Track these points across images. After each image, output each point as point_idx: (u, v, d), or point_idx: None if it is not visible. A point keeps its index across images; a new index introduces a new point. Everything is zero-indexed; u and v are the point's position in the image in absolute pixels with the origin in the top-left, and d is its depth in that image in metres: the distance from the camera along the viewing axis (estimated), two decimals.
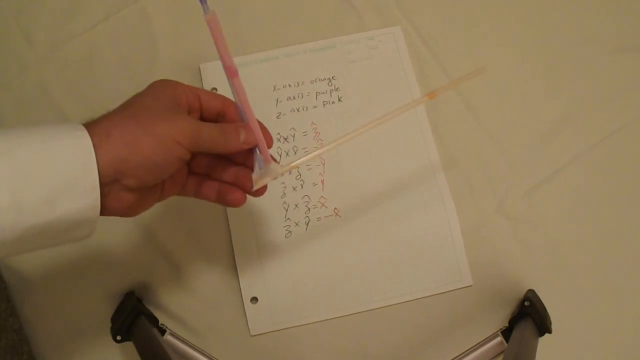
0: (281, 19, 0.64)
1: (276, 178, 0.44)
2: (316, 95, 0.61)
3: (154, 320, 0.53)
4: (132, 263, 0.56)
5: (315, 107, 0.60)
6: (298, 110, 0.60)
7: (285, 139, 0.59)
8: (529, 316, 0.51)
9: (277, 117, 0.60)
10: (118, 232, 0.57)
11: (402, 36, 0.63)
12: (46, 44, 0.62)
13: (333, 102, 0.61)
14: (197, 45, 0.62)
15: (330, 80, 0.61)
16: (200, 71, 0.61)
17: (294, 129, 0.60)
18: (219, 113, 0.44)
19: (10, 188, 0.33)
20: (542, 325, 0.51)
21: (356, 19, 0.64)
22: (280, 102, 0.61)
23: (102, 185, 0.36)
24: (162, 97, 0.41)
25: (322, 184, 0.58)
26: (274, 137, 0.59)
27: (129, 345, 0.51)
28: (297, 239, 0.57)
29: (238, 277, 0.56)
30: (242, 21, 0.64)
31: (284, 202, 0.57)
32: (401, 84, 0.61)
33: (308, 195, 0.58)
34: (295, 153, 0.59)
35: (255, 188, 0.44)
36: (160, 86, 0.42)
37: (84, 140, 0.35)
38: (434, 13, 0.64)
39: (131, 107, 0.40)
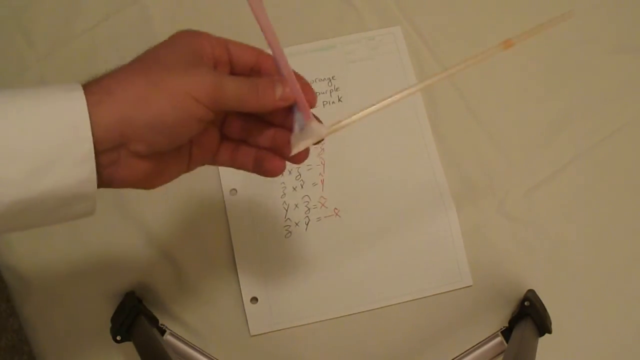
0: (281, 19, 0.64)
1: (320, 141, 0.37)
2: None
3: (154, 321, 0.53)
4: (132, 263, 0.56)
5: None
6: None
7: None
8: (529, 316, 0.51)
9: None
10: (118, 232, 0.57)
11: (402, 36, 0.63)
12: (46, 44, 0.62)
13: (333, 102, 0.61)
14: None
15: (330, 80, 0.61)
16: None
17: None
18: (252, 68, 0.38)
19: None
20: (542, 325, 0.51)
21: (356, 19, 0.64)
22: None
23: (107, 151, 0.32)
24: (180, 47, 0.35)
25: (322, 184, 0.58)
26: None
27: (129, 345, 0.51)
28: (297, 239, 0.57)
29: (238, 277, 0.56)
30: (242, 21, 0.63)
31: (284, 202, 0.57)
32: (401, 84, 0.61)
33: (308, 195, 0.58)
34: None
35: (293, 152, 0.37)
36: (181, 36, 0.36)
37: (77, 101, 0.30)
38: (434, 13, 0.64)
39: (141, 60, 0.35)
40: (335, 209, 0.58)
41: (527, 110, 0.61)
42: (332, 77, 0.62)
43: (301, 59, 0.62)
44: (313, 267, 0.56)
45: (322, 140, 0.37)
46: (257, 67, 0.38)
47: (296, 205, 0.57)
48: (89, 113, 0.31)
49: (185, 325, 0.55)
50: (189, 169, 0.38)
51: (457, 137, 0.60)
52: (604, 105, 0.61)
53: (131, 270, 0.56)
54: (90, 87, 0.32)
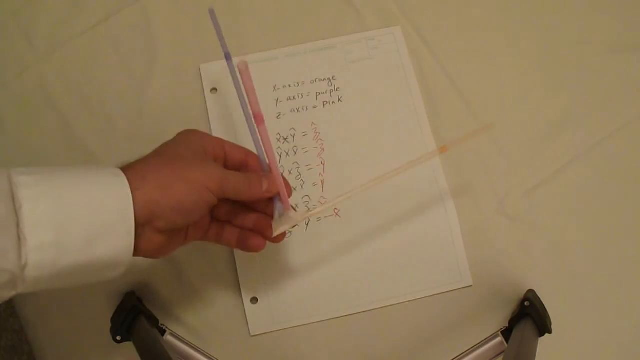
0: (281, 19, 0.64)
1: (295, 226, 0.46)
2: (316, 96, 0.61)
3: (154, 321, 0.53)
4: (133, 263, 0.56)
5: (315, 107, 0.61)
6: (298, 111, 0.60)
7: (285, 139, 0.59)
8: (529, 316, 0.51)
9: (277, 117, 0.60)
10: None
11: (402, 36, 0.63)
12: (46, 44, 0.62)
13: (333, 102, 0.61)
14: (197, 45, 0.62)
15: (330, 81, 0.61)
16: (200, 71, 0.61)
17: (294, 129, 0.60)
18: (241, 163, 0.47)
19: (54, 227, 0.34)
20: (542, 326, 0.51)
21: (356, 19, 0.64)
22: (280, 102, 0.61)
23: (137, 226, 0.38)
24: (193, 145, 0.44)
25: (322, 184, 0.58)
26: (274, 137, 0.59)
27: (129, 345, 0.51)
28: (297, 239, 0.57)
29: (238, 277, 0.56)
30: (242, 21, 0.64)
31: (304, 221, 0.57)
32: (401, 84, 0.61)
33: (308, 195, 0.58)
34: (295, 153, 0.59)
35: (274, 234, 0.46)
36: (190, 135, 0.45)
37: (124, 188, 0.37)
38: (434, 13, 0.64)
39: (165, 154, 0.42)
40: (335, 209, 0.58)
41: (527, 110, 0.61)
42: (332, 77, 0.62)
43: (301, 59, 0.62)
44: (313, 267, 0.56)
45: (297, 225, 0.48)
46: (246, 163, 0.47)
47: (296, 205, 0.57)
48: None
49: (185, 325, 0.55)
50: (184, 243, 0.45)
51: (457, 137, 0.60)
52: (604, 105, 0.61)
53: (131, 270, 0.55)
54: (129, 172, 0.39)
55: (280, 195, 0.45)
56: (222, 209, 0.47)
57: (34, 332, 0.55)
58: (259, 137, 0.43)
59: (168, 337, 0.53)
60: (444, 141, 0.60)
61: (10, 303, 0.55)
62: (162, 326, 0.53)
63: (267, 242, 0.47)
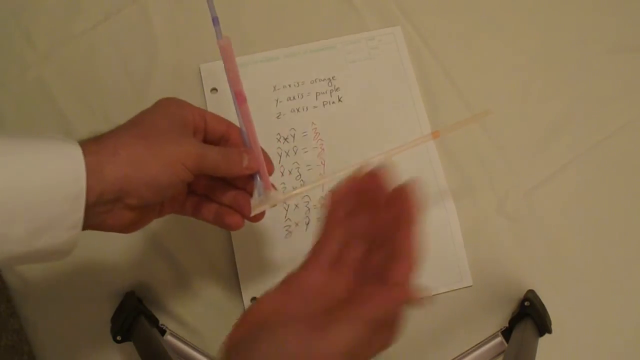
0: (281, 19, 0.64)
1: (274, 205, 0.45)
2: (316, 96, 0.61)
3: (154, 321, 0.53)
4: (133, 263, 0.56)
5: (315, 107, 0.61)
6: (298, 111, 0.60)
7: (285, 139, 0.59)
8: (529, 316, 0.51)
9: (277, 117, 0.60)
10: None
11: (402, 36, 0.63)
12: (46, 44, 0.62)
13: (333, 102, 0.61)
14: (197, 45, 0.62)
15: (330, 81, 0.61)
16: (200, 71, 0.61)
17: (294, 129, 0.60)
18: (222, 136, 0.45)
19: None
20: (542, 326, 0.51)
21: (356, 19, 0.64)
22: (280, 102, 0.61)
23: (106, 202, 0.37)
24: (171, 116, 0.41)
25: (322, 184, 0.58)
26: (274, 137, 0.59)
27: (129, 345, 0.51)
28: (297, 239, 0.57)
29: (238, 277, 0.56)
30: (243, 21, 0.64)
31: (284, 202, 0.57)
32: (401, 84, 0.61)
33: (308, 195, 0.58)
34: (295, 153, 0.59)
35: (253, 214, 0.44)
36: (170, 105, 0.42)
37: (80, 174, 0.35)
38: (434, 13, 0.64)
39: (140, 125, 0.40)
40: None
41: (527, 111, 0.61)
42: (332, 77, 0.62)
43: (301, 59, 0.62)
44: None
45: (276, 205, 0.45)
46: (227, 136, 0.45)
47: (296, 206, 0.57)
48: (96, 170, 0.36)
49: (185, 325, 0.55)
50: (159, 216, 0.44)
51: (457, 137, 0.60)
52: (604, 105, 0.61)
53: (131, 270, 0.56)
54: (97, 148, 0.37)
55: (260, 173, 0.44)
56: (200, 182, 0.45)
57: (34, 332, 0.55)
58: (239, 113, 0.42)
59: (168, 337, 0.53)
60: (444, 141, 0.60)
61: (10, 303, 0.55)
62: (162, 326, 0.53)
63: (246, 221, 0.45)
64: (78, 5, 0.63)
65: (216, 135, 0.44)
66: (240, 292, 0.55)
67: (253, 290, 0.56)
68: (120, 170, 0.36)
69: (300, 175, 0.58)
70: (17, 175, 0.33)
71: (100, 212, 0.37)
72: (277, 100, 0.61)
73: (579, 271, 0.56)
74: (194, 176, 0.40)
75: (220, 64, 0.61)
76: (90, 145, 0.37)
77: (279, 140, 0.59)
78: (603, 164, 0.59)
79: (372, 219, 0.39)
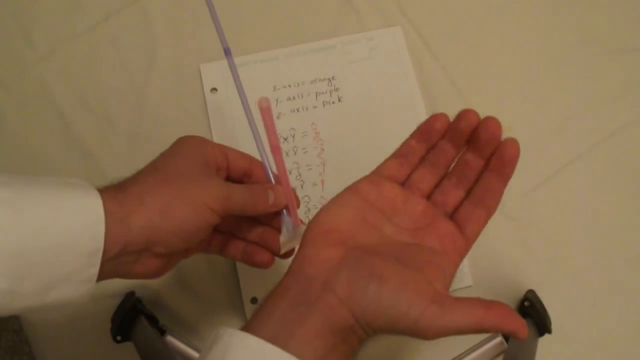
0: (281, 19, 0.64)
1: None
2: (316, 96, 0.61)
3: (154, 320, 0.53)
4: None
5: (315, 107, 0.61)
6: (298, 111, 0.60)
7: (285, 139, 0.59)
8: (529, 316, 0.51)
9: (277, 118, 0.60)
10: None
11: (402, 36, 0.63)
12: (46, 44, 0.62)
13: (333, 102, 0.61)
14: (197, 45, 0.62)
15: (330, 81, 0.61)
16: (200, 71, 0.61)
17: (294, 129, 0.60)
18: (245, 173, 0.44)
19: (9, 276, 0.31)
20: (542, 326, 0.51)
21: (356, 19, 0.64)
22: (280, 102, 0.61)
23: (130, 253, 0.36)
24: (193, 156, 0.40)
25: (322, 184, 0.58)
26: None
27: (129, 345, 0.51)
28: None
29: (238, 277, 0.56)
30: (243, 21, 0.64)
31: None
32: (401, 84, 0.61)
33: (308, 195, 0.58)
34: (295, 153, 0.59)
35: (282, 252, 0.43)
36: (190, 144, 0.41)
37: (98, 228, 0.33)
38: (434, 13, 0.64)
39: (163, 170, 0.39)
40: None
41: (527, 110, 0.61)
42: (332, 77, 0.62)
43: (301, 59, 0.62)
44: None
45: None
46: (249, 172, 0.44)
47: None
48: (122, 221, 0.35)
49: (185, 325, 0.55)
50: (185, 257, 0.43)
51: None
52: (604, 105, 0.61)
53: None
54: (123, 196, 0.36)
55: (290, 209, 0.42)
56: (225, 221, 0.42)
57: (34, 332, 0.55)
58: (265, 150, 0.41)
59: (168, 337, 0.53)
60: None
61: None
62: (162, 326, 0.53)
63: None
64: (78, 5, 0.64)
65: (239, 172, 0.43)
66: (240, 292, 0.55)
67: (253, 290, 0.55)
68: (147, 219, 0.36)
69: (300, 175, 0.58)
70: (31, 233, 0.32)
71: (126, 262, 0.37)
72: (277, 100, 0.61)
73: (579, 271, 0.56)
74: (220, 218, 0.39)
75: (220, 64, 0.61)
76: (114, 193, 0.36)
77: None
78: (603, 164, 0.59)
79: (459, 154, 0.40)
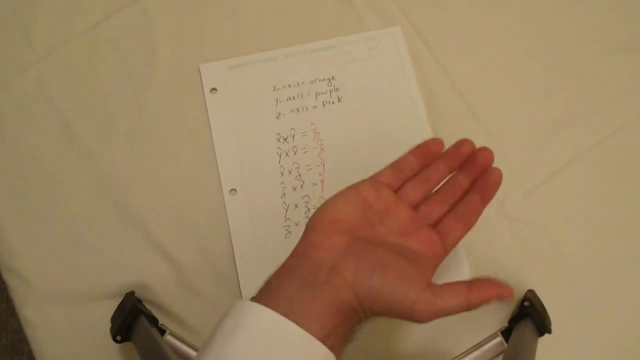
0: (281, 19, 0.64)
1: None
2: (316, 96, 0.61)
3: (154, 320, 0.53)
4: (133, 263, 0.56)
5: (315, 107, 0.61)
6: (298, 111, 0.60)
7: (285, 139, 0.59)
8: (529, 316, 0.51)
9: (277, 117, 0.60)
10: (118, 232, 0.57)
11: (402, 36, 0.63)
12: (46, 44, 0.62)
13: (333, 102, 0.61)
14: (197, 45, 0.62)
15: (330, 81, 0.61)
16: (200, 71, 0.61)
17: (293, 129, 0.60)
18: None
19: None
20: (542, 326, 0.51)
21: (356, 19, 0.64)
22: (280, 102, 0.61)
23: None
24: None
25: (322, 184, 0.58)
26: (274, 137, 0.59)
27: (129, 345, 0.51)
28: (297, 239, 0.56)
29: (238, 277, 0.56)
30: (242, 21, 0.64)
31: (284, 202, 0.57)
32: (401, 84, 0.61)
33: (308, 195, 0.58)
34: (295, 153, 0.59)
35: None
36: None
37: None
38: (434, 13, 0.64)
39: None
40: None
41: (527, 110, 0.61)
42: (332, 77, 0.62)
43: (301, 59, 0.62)
44: None
45: None
46: None
47: (296, 205, 0.57)
48: None
49: (185, 325, 0.55)
50: None
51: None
52: (604, 105, 0.61)
53: (131, 270, 0.56)
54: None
55: None
56: None
57: (34, 332, 0.55)
58: None
59: (168, 337, 0.53)
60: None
61: (10, 303, 0.55)
62: (162, 326, 0.53)
63: None
64: (78, 5, 0.63)
65: None
66: (240, 292, 0.55)
67: (253, 290, 0.55)
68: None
69: (300, 175, 0.58)
70: None
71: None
72: (277, 100, 0.61)
73: (579, 271, 0.56)
74: None
75: (220, 64, 0.61)
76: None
77: (278, 140, 0.59)
78: (603, 164, 0.59)
79: (450, 174, 0.45)
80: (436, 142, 0.47)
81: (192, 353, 0.52)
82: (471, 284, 0.40)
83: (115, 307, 0.53)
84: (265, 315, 0.35)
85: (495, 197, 0.58)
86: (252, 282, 0.55)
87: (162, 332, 0.53)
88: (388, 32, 0.63)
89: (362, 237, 0.40)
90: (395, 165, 0.46)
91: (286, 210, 0.57)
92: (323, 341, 0.35)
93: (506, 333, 0.52)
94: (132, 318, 0.51)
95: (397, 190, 0.45)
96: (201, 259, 0.56)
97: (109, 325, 0.52)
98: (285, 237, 0.57)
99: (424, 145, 0.47)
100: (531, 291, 0.54)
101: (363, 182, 0.44)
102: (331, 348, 0.36)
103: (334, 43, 0.63)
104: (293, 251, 0.40)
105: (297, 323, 0.34)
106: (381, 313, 0.38)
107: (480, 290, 0.39)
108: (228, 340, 0.35)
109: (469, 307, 0.39)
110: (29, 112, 0.60)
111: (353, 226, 0.41)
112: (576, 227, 0.58)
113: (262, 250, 0.56)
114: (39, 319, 0.55)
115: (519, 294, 0.55)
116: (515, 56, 0.63)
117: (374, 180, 0.45)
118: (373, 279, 0.37)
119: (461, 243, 0.57)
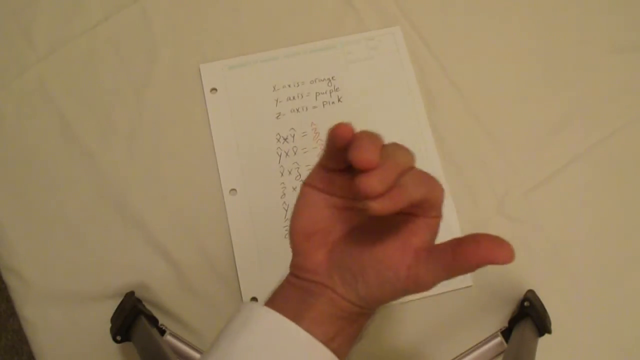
0: (281, 18, 0.64)
1: None
2: (316, 96, 0.61)
3: (154, 321, 0.53)
4: (133, 263, 0.56)
5: (315, 107, 0.61)
6: (298, 111, 0.60)
7: (285, 139, 0.59)
8: (529, 316, 0.51)
9: (277, 117, 0.60)
10: (118, 232, 0.57)
11: (402, 36, 0.63)
12: (46, 44, 0.62)
13: (333, 103, 0.61)
14: (197, 45, 0.62)
15: (330, 81, 0.61)
16: (200, 71, 0.61)
17: (293, 129, 0.60)
18: None
19: None
20: (542, 326, 0.51)
21: (356, 19, 0.64)
22: (280, 102, 0.61)
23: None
24: None
25: None
26: (274, 137, 0.59)
27: (129, 345, 0.51)
28: None
29: (238, 277, 0.56)
30: (242, 21, 0.64)
31: (284, 202, 0.57)
32: (401, 84, 0.61)
33: None
34: (295, 153, 0.59)
35: None
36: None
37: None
38: (434, 13, 0.64)
39: None
40: None
41: (527, 110, 0.61)
42: (332, 77, 0.62)
43: (301, 59, 0.62)
44: None
45: None
46: None
47: None
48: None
49: (185, 325, 0.55)
50: None
51: (457, 137, 0.60)
52: (604, 105, 0.61)
53: (131, 270, 0.56)
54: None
55: None
56: None
57: (34, 332, 0.55)
58: None
59: (168, 337, 0.53)
60: (443, 141, 0.60)
61: (10, 303, 0.55)
62: (162, 326, 0.53)
63: None
64: (78, 5, 0.63)
65: None
66: (240, 292, 0.55)
67: (253, 290, 0.55)
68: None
69: (300, 175, 0.58)
70: None
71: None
72: (277, 100, 0.61)
73: (579, 271, 0.56)
74: None
75: (220, 64, 0.61)
76: None
77: (278, 140, 0.59)
78: (603, 164, 0.59)
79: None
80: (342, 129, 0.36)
81: (192, 353, 0.52)
82: (457, 246, 0.35)
83: (115, 307, 0.53)
84: (272, 317, 0.36)
85: (496, 197, 0.58)
86: (252, 282, 0.55)
87: (162, 332, 0.53)
88: (388, 32, 0.63)
89: (338, 240, 0.38)
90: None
91: (286, 211, 0.57)
92: (326, 344, 0.35)
93: (506, 333, 0.52)
94: (132, 318, 0.51)
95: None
96: (201, 259, 0.56)
97: (109, 325, 0.52)
98: (285, 237, 0.57)
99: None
100: (531, 291, 0.54)
101: (310, 175, 0.40)
102: (336, 350, 0.36)
103: (334, 43, 0.63)
104: (285, 280, 0.40)
105: (300, 327, 0.35)
106: (385, 302, 0.37)
107: (465, 256, 0.35)
108: (235, 340, 0.36)
109: (453, 276, 0.36)
110: (29, 112, 0.60)
111: (327, 230, 0.38)
112: (576, 227, 0.58)
113: (262, 250, 0.56)
114: (39, 319, 0.55)
115: (519, 294, 0.55)
116: (516, 56, 0.63)
117: (317, 169, 0.40)
118: (359, 287, 0.36)
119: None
